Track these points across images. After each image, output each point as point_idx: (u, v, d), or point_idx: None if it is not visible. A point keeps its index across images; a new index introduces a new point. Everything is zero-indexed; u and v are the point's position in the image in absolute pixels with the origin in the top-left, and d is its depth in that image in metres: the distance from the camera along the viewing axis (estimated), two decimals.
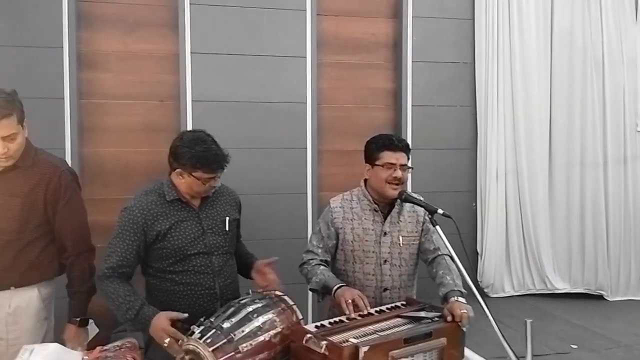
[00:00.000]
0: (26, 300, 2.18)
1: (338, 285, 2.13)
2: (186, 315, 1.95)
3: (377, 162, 2.31)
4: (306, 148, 3.97)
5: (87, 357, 1.90)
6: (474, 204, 4.33)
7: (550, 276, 4.34)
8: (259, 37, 3.86)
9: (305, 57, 3.93)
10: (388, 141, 2.32)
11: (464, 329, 1.95)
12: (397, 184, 2.26)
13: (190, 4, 3.71)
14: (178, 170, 2.13)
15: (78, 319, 2.24)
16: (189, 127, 3.69)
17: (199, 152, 2.09)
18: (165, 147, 3.70)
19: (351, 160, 4.10)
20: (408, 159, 2.33)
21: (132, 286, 2.12)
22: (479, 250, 4.30)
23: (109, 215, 3.69)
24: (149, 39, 3.76)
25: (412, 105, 4.14)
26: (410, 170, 2.36)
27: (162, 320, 1.92)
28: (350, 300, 2.04)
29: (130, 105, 3.75)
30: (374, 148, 2.35)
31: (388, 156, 2.29)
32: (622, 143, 4.39)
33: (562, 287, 4.37)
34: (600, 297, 4.37)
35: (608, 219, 4.37)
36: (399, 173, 2.26)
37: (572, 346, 3.32)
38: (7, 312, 2.08)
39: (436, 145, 4.21)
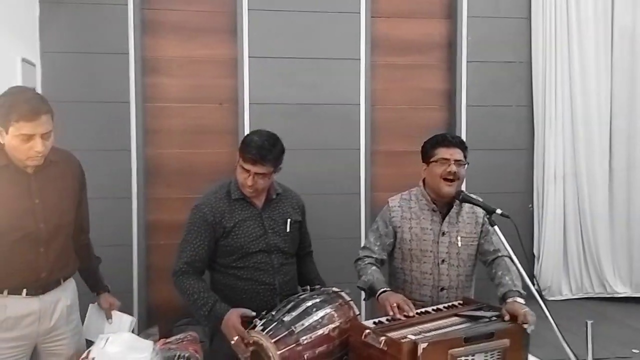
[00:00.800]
0: (74, 291, 2.20)
1: (382, 290, 2.17)
2: (254, 313, 2.03)
3: (432, 159, 2.35)
4: (359, 149, 4.02)
5: (156, 346, 2.02)
6: (531, 206, 4.26)
7: (610, 279, 4.22)
8: (313, 41, 3.94)
9: (359, 59, 3.98)
10: (441, 138, 2.37)
11: (529, 331, 1.94)
12: (452, 180, 2.28)
13: (248, 9, 3.83)
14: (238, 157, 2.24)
15: (108, 286, 2.41)
16: (247, 129, 3.81)
17: (247, 139, 2.22)
18: (224, 149, 3.92)
19: (404, 161, 4.12)
20: (464, 156, 2.34)
21: (206, 282, 2.24)
22: (535, 252, 4.23)
23: (170, 214, 3.90)
24: (208, 44, 3.90)
25: (467, 106, 4.12)
26: (466, 165, 2.36)
27: (233, 317, 2.02)
28: (395, 304, 2.05)
29: (191, 109, 3.91)
30: (429, 146, 2.39)
31: (442, 152, 2.32)
32: None
33: (622, 290, 4.24)
34: None
35: None
36: (453, 167, 2.27)
37: (634, 351, 3.24)
38: (66, 305, 2.10)
39: (492, 145, 4.16)
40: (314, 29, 3.94)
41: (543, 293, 4.17)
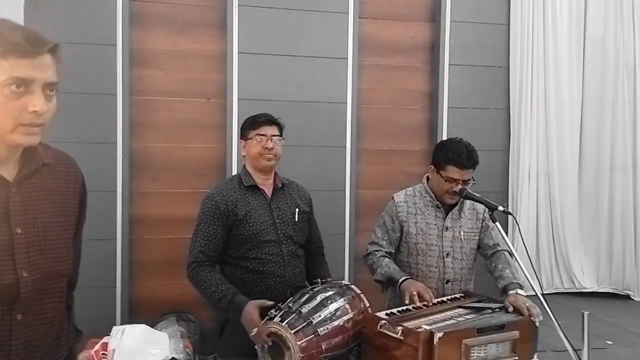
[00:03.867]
0: None
1: (404, 278, 2.26)
2: (272, 302, 2.07)
3: (441, 172, 2.38)
4: (346, 147, 4.09)
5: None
6: (505, 205, 4.44)
7: (579, 276, 4.45)
8: (303, 39, 3.98)
9: (347, 58, 4.05)
10: (457, 157, 2.34)
11: (537, 323, 2.06)
12: (455, 197, 2.37)
13: (238, 5, 3.84)
14: (241, 142, 2.42)
15: None
16: (235, 125, 3.82)
17: (251, 116, 2.42)
18: (211, 144, 3.92)
19: (388, 160, 4.23)
20: (473, 170, 2.38)
21: (220, 274, 2.27)
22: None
23: (155, 208, 3.88)
24: (198, 38, 3.89)
25: (448, 107, 4.25)
26: (473, 184, 2.40)
27: (252, 309, 2.05)
28: (415, 292, 2.16)
29: (179, 102, 3.88)
30: (443, 158, 2.38)
31: (453, 171, 2.34)
32: None
33: (590, 286, 4.48)
34: (627, 297, 4.48)
35: (636, 220, 4.47)
36: (459, 187, 2.34)
37: (608, 342, 3.43)
38: None
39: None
40: (304, 27, 3.98)
41: None
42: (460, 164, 2.34)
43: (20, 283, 1.19)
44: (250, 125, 2.39)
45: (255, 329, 1.98)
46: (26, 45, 1.13)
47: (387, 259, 2.40)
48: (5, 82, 1.11)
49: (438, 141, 3.07)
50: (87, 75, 3.66)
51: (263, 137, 2.32)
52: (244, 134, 2.42)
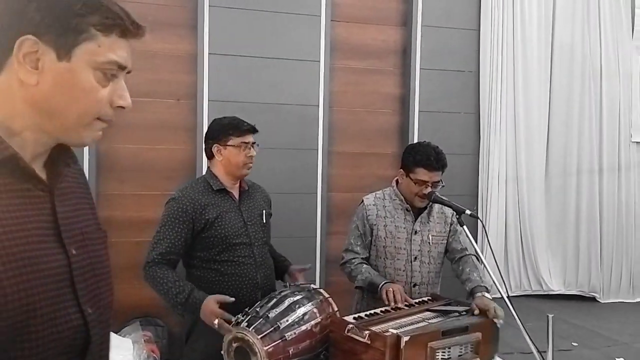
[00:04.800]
0: None
1: (384, 282, 2.27)
2: (233, 299, 2.05)
3: (410, 175, 2.38)
4: (317, 149, 4.08)
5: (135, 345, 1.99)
6: (475, 208, 4.48)
7: (546, 278, 4.53)
8: (274, 41, 3.96)
9: (319, 61, 4.05)
10: (426, 160, 2.35)
11: (499, 325, 2.08)
12: (424, 199, 2.38)
13: (209, 5, 3.80)
14: (215, 147, 2.30)
15: None
16: (205, 126, 3.76)
17: (227, 121, 2.33)
18: (180, 145, 3.86)
19: (359, 162, 4.23)
20: (442, 173, 2.39)
21: (179, 273, 2.23)
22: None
23: (122, 211, 3.81)
24: (168, 38, 3.83)
25: (419, 111, 4.28)
26: (442, 186, 2.40)
27: (211, 303, 2.03)
28: (391, 290, 2.19)
29: (148, 103, 3.82)
30: (412, 161, 2.38)
31: (423, 174, 2.34)
32: (616, 152, 4.61)
33: (557, 288, 4.56)
34: (593, 299, 4.58)
35: (602, 224, 4.58)
36: (428, 189, 2.35)
37: (573, 344, 3.49)
38: None
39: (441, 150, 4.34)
40: (275, 30, 3.96)
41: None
42: (428, 165, 2.35)
43: (88, 323, 0.87)
44: (232, 131, 2.27)
45: (217, 320, 1.94)
46: (128, 22, 0.90)
47: (365, 265, 2.40)
48: (104, 64, 0.88)
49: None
50: None
51: (246, 145, 2.28)
52: (219, 138, 2.28)
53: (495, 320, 2.06)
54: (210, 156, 2.35)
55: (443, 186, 2.42)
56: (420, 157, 2.36)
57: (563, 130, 4.56)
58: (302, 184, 4.05)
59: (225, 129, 2.30)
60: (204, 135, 2.38)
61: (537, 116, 4.49)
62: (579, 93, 4.55)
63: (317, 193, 4.09)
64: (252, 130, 2.33)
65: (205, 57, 3.82)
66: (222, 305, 2.04)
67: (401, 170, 2.45)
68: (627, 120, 4.64)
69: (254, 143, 2.32)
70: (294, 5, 3.98)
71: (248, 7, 3.89)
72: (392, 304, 2.17)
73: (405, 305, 2.24)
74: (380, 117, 4.29)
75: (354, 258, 2.45)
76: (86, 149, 3.63)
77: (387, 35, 4.29)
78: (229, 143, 2.27)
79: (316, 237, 4.08)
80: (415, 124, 4.28)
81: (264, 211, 2.39)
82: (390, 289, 2.19)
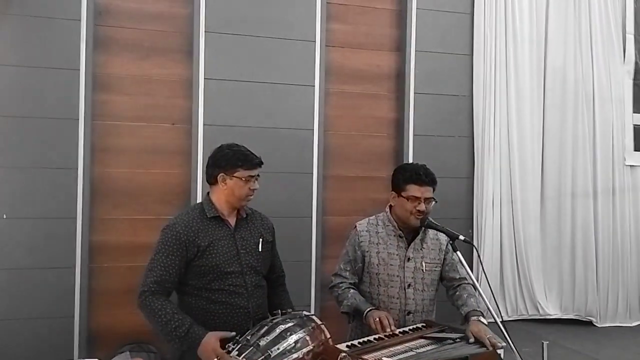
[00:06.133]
0: None
1: (369, 309, 2.25)
2: (233, 333, 2.03)
3: (402, 194, 2.39)
4: (312, 173, 4.09)
5: None
6: (470, 231, 4.48)
7: (542, 302, 4.49)
8: (269, 66, 3.99)
9: (314, 85, 4.08)
10: (415, 175, 2.38)
11: (500, 348, 2.05)
12: (420, 216, 2.38)
13: (205, 31, 3.84)
14: (220, 175, 2.27)
15: None
16: (200, 150, 3.79)
17: (237, 151, 2.29)
18: (174, 170, 3.87)
19: (354, 186, 4.24)
20: (433, 190, 2.42)
21: (175, 304, 2.21)
22: (474, 275, 4.43)
23: (116, 236, 3.79)
24: (163, 63, 3.86)
25: (414, 135, 4.30)
26: (434, 202, 2.42)
27: (212, 341, 2.01)
28: (377, 319, 2.15)
29: (142, 128, 3.83)
30: (401, 179, 2.41)
31: (414, 189, 2.36)
32: (610, 176, 4.61)
33: (554, 312, 4.52)
34: (590, 323, 4.54)
35: (597, 248, 4.56)
36: (422, 206, 2.35)
37: None
38: None
39: (436, 173, 4.33)
40: (271, 55, 4.00)
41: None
42: (418, 180, 2.37)
43: None
44: (241, 163, 2.26)
45: (216, 359, 1.93)
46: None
47: (352, 290, 2.39)
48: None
49: None
50: (48, 99, 3.60)
51: (252, 177, 2.28)
52: (226, 168, 2.26)
53: (496, 348, 2.04)
54: (212, 182, 2.32)
55: (436, 202, 2.42)
56: (410, 174, 2.40)
57: (557, 153, 4.57)
58: (297, 207, 4.05)
59: (234, 160, 2.27)
60: (209, 160, 2.35)
61: (530, 139, 4.50)
62: (572, 116, 4.57)
63: (312, 217, 4.08)
64: (261, 163, 2.33)
65: (200, 82, 3.85)
66: (222, 342, 2.02)
67: (393, 192, 2.46)
68: (621, 143, 4.66)
69: (258, 175, 2.31)
70: (288, 31, 4.02)
71: (243, 33, 3.93)
72: (381, 332, 2.14)
73: (399, 332, 2.22)
74: (375, 141, 4.31)
75: (341, 282, 2.44)
76: (80, 175, 3.64)
77: (381, 60, 4.33)
78: (235, 174, 2.26)
79: (311, 261, 4.07)
80: (409, 148, 4.29)
81: (261, 239, 2.37)
82: (377, 318, 2.16)
